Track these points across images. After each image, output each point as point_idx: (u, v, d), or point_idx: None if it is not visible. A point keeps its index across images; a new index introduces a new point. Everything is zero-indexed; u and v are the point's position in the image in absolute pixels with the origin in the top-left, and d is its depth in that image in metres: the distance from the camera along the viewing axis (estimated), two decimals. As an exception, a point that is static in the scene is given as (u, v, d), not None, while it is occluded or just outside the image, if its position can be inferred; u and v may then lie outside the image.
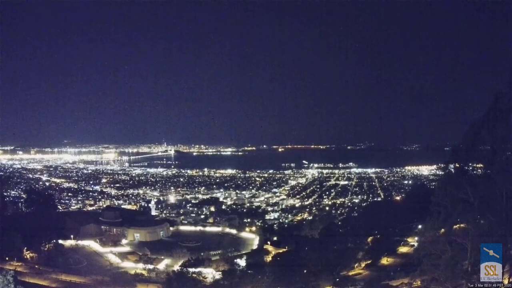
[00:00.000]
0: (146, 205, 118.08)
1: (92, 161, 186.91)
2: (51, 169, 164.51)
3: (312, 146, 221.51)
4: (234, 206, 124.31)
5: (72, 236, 68.57)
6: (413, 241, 62.39)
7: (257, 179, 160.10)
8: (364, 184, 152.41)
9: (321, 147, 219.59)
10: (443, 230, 33.13)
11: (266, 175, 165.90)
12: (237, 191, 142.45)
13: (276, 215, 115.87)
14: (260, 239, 77.75)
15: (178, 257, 62.90)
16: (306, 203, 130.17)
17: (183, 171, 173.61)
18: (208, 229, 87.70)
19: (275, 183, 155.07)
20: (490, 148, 31.55)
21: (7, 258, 51.58)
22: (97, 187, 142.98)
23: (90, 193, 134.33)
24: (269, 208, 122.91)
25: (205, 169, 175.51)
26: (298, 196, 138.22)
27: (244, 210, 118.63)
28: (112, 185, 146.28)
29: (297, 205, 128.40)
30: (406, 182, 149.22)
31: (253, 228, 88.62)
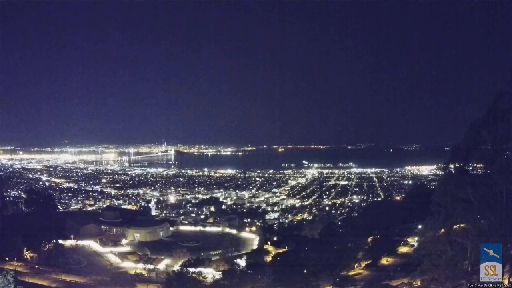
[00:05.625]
0: (146, 205, 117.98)
1: (92, 161, 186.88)
2: (51, 169, 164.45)
3: (312, 146, 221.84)
4: (234, 206, 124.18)
5: (72, 236, 68.49)
6: (413, 241, 62.29)
7: (257, 179, 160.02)
8: (364, 184, 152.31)
9: (321, 147, 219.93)
10: (443, 230, 33.10)
11: (266, 175, 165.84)
12: (237, 191, 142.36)
13: (276, 215, 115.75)
14: (260, 239, 77.66)
15: (178, 257, 62.83)
16: (306, 203, 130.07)
17: (183, 171, 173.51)
18: (208, 229, 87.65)
19: (275, 183, 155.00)
20: (491, 148, 31.52)
21: (7, 258, 51.61)
22: (97, 187, 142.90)
23: (90, 193, 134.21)
24: (269, 208, 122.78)
25: (205, 169, 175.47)
26: (298, 196, 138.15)
27: (244, 210, 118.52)
28: (112, 185, 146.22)
29: (297, 205, 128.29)
30: (406, 182, 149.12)
31: (253, 228, 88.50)
